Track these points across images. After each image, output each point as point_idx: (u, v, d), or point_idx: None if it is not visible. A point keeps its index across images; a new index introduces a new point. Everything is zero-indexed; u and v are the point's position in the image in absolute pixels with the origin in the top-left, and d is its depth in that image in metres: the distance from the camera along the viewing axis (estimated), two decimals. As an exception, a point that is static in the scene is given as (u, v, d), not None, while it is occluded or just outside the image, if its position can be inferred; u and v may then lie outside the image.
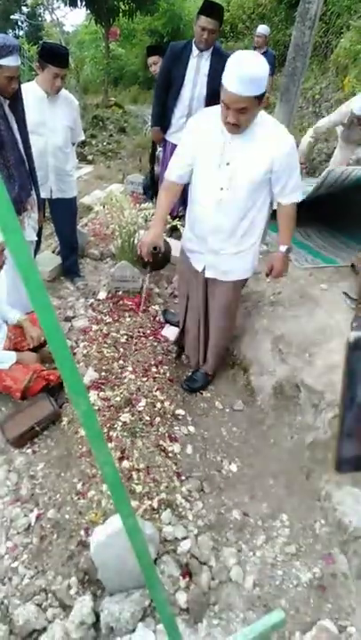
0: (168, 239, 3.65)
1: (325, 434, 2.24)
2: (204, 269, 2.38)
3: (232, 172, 2.03)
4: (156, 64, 4.46)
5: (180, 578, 1.77)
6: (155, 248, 2.33)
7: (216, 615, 1.73)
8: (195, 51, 3.54)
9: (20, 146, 2.53)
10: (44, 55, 2.83)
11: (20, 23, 20.92)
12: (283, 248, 2.31)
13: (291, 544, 1.98)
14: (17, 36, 18.92)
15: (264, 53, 5.69)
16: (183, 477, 2.16)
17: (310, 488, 2.16)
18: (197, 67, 3.57)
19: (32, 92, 2.88)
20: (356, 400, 1.76)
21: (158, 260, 2.74)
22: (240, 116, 1.84)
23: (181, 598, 1.72)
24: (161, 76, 3.78)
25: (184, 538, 1.88)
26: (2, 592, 1.78)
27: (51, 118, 3.00)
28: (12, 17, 19.33)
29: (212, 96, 3.51)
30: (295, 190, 2.11)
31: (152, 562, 1.27)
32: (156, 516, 1.90)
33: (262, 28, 5.98)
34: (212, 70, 3.50)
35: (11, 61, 2.25)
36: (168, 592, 1.74)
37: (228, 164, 2.02)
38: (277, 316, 2.85)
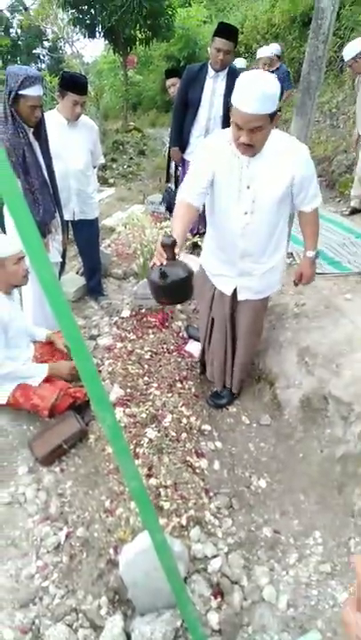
0: (190, 258, 3.68)
1: (356, 447, 2.18)
2: (234, 291, 2.33)
3: (254, 195, 1.98)
4: (174, 86, 4.57)
5: (212, 597, 1.73)
6: (168, 236, 1.76)
7: (250, 637, 1.68)
8: (210, 72, 3.62)
9: (44, 171, 2.62)
10: (64, 84, 2.94)
11: (41, 57, 21.87)
12: (310, 254, 2.30)
13: (325, 562, 1.91)
14: (39, 69, 19.74)
15: (277, 69, 5.73)
16: (211, 494, 2.12)
17: (343, 503, 2.09)
18: (213, 87, 3.64)
19: (53, 120, 2.98)
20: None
21: (181, 281, 1.88)
22: (253, 136, 1.78)
23: (213, 619, 1.68)
24: (178, 97, 3.88)
25: (214, 556, 1.84)
26: (33, 612, 1.77)
27: (72, 143, 3.09)
28: (34, 51, 20.18)
29: (228, 115, 3.56)
30: (316, 196, 2.10)
31: (182, 580, 1.25)
32: (185, 533, 1.88)
33: (270, 50, 5.85)
34: (227, 90, 3.57)
35: (34, 91, 2.36)
36: (199, 612, 1.69)
37: (248, 187, 1.97)
38: (302, 328, 2.81)
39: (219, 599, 1.74)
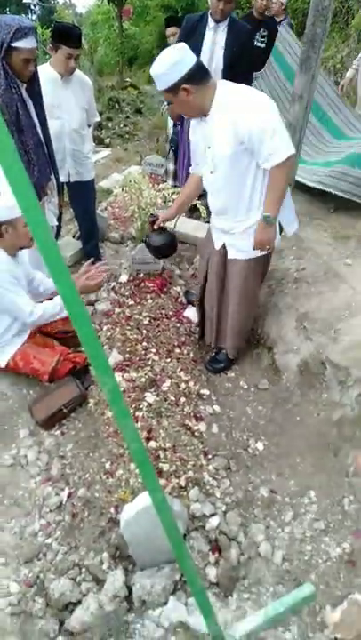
0: (184, 221, 3.63)
1: (353, 411, 2.22)
2: (223, 248, 2.39)
3: (213, 154, 2.10)
4: (173, 36, 4.37)
5: (210, 553, 1.80)
6: (152, 215, 2.65)
7: (246, 589, 1.76)
8: (210, 22, 3.44)
9: (39, 130, 2.53)
10: (57, 36, 2.80)
11: (32, 7, 20.81)
12: (263, 214, 2.13)
13: (319, 520, 1.98)
14: (31, 20, 18.80)
15: (282, 21, 5.49)
16: (210, 456, 2.17)
17: (338, 465, 2.15)
18: (214, 39, 3.47)
19: (46, 75, 2.85)
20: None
21: (159, 246, 2.75)
22: (174, 107, 2.04)
23: (211, 573, 1.76)
24: None
25: (212, 514, 1.91)
26: (37, 567, 1.85)
27: (65, 100, 2.98)
28: (24, 1, 19.19)
29: (230, 68, 3.42)
30: (272, 154, 1.94)
31: (181, 536, 1.30)
32: (184, 493, 1.93)
33: None
34: (228, 42, 3.41)
35: (27, 43, 2.22)
36: (198, 567, 1.77)
37: (208, 147, 2.11)
38: (301, 293, 2.80)
39: (216, 555, 1.81)
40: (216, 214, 2.33)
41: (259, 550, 1.86)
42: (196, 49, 3.48)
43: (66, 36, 2.78)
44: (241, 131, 1.92)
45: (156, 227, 2.65)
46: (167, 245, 2.74)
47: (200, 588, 1.42)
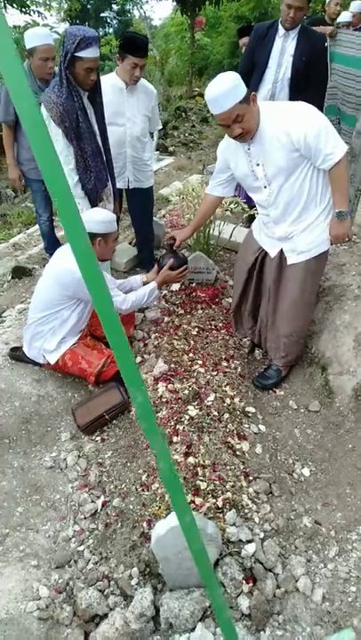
0: (240, 230, 3.55)
1: None
2: (279, 255, 2.41)
3: (265, 170, 2.16)
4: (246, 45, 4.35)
5: (244, 582, 1.71)
6: (171, 238, 2.77)
7: (280, 626, 1.65)
8: (280, 31, 3.37)
9: (98, 137, 2.58)
10: (124, 46, 2.85)
11: (109, 20, 21.70)
12: (335, 211, 2.21)
13: (367, 560, 1.83)
14: (106, 33, 19.63)
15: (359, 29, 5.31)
16: (251, 478, 2.08)
17: (392, 501, 1.98)
18: (283, 47, 3.40)
19: (111, 83, 2.92)
20: None
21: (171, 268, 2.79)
22: (242, 125, 1.99)
23: (244, 603, 1.66)
24: (245, 57, 3.67)
25: (249, 541, 1.81)
26: (68, 574, 1.84)
27: (129, 108, 3.02)
28: (102, 15, 20.05)
29: (297, 78, 3.33)
30: (331, 154, 2.02)
31: (209, 562, 1.23)
32: (220, 515, 1.85)
33: (356, 6, 5.53)
34: (298, 50, 3.32)
35: (90, 53, 2.28)
36: (230, 595, 1.68)
37: (258, 164, 2.17)
38: (361, 312, 2.65)
39: (251, 584, 1.71)
40: (274, 223, 2.33)
41: (297, 585, 1.74)
42: (265, 57, 3.43)
43: (132, 45, 2.83)
44: (296, 138, 2.00)
45: (175, 247, 2.78)
46: (177, 269, 2.80)
47: (227, 619, 1.34)
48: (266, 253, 2.49)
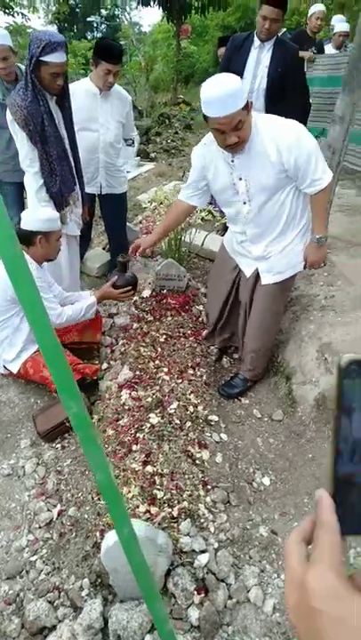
0: (213, 238, 3.58)
1: (369, 453, 2.06)
2: (255, 274, 2.39)
3: (247, 185, 2.08)
4: None
5: (195, 593, 1.70)
6: (122, 255, 2.74)
7: (229, 637, 1.65)
8: (256, 42, 3.42)
9: (66, 142, 2.58)
10: (98, 52, 2.87)
11: (97, 25, 21.76)
12: (314, 237, 2.21)
13: (321, 570, 1.84)
14: (94, 38, 19.67)
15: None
16: (209, 487, 2.08)
17: (348, 511, 2.00)
18: (258, 58, 3.45)
19: (85, 89, 2.93)
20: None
21: (120, 286, 2.74)
22: (239, 132, 1.87)
23: (193, 615, 1.65)
24: (221, 67, 3.72)
25: (202, 551, 1.80)
26: (19, 585, 1.81)
27: (103, 114, 3.03)
28: (90, 19, 20.08)
29: (273, 89, 3.38)
30: (317, 180, 2.01)
31: (151, 576, 1.21)
32: (175, 525, 1.84)
33: (342, 25, 5.60)
34: (273, 62, 3.38)
35: (55, 58, 2.28)
36: (180, 606, 1.67)
37: (240, 178, 2.08)
38: (326, 322, 2.68)
39: (202, 595, 1.70)
40: (251, 242, 2.29)
41: (249, 595, 1.74)
42: (240, 68, 3.47)
43: (106, 52, 2.85)
44: (286, 158, 1.95)
45: (138, 254, 2.69)
46: (121, 287, 2.75)
47: (169, 632, 1.33)
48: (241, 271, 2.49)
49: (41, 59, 2.24)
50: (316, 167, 1.97)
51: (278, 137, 1.94)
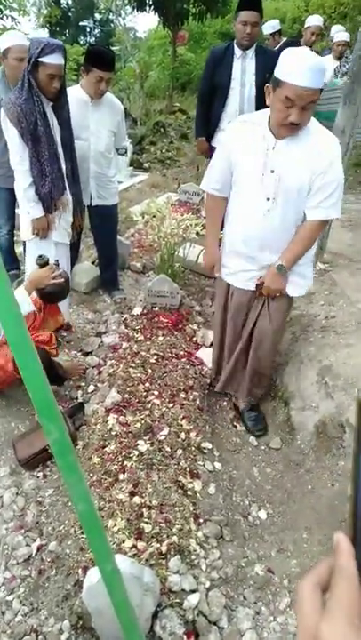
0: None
1: (372, 485, 2.06)
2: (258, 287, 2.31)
3: (278, 180, 2.01)
4: None
5: (184, 637, 1.67)
6: (40, 257, 2.52)
7: None
8: (237, 52, 3.56)
9: (58, 144, 2.68)
10: (89, 58, 2.94)
11: (90, 29, 22.21)
12: (278, 263, 2.15)
13: (320, 613, 1.82)
14: (87, 43, 20.07)
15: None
16: (201, 520, 2.06)
17: (349, 548, 1.98)
18: (243, 67, 3.58)
19: (75, 96, 2.99)
20: None
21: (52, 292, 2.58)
22: (304, 114, 1.83)
23: (182, 661, 1.62)
24: (204, 83, 3.85)
25: (193, 591, 1.77)
26: (-7, 627, 1.77)
27: (93, 123, 3.09)
28: (83, 24, 20.51)
29: (262, 95, 3.46)
30: (329, 206, 2.01)
31: (134, 617, 1.20)
32: (163, 561, 1.82)
33: (342, 35, 5.74)
34: (259, 68, 3.51)
35: (53, 59, 2.42)
36: (168, 652, 1.64)
37: (272, 171, 2.01)
38: (327, 344, 2.70)
39: (192, 639, 1.68)
40: (258, 248, 2.18)
41: (242, 640, 1.71)
42: (226, 80, 3.59)
43: (98, 58, 2.92)
44: (315, 177, 1.94)
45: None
46: (58, 293, 2.60)
47: None
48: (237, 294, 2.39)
49: (39, 59, 2.40)
50: (332, 195, 1.98)
51: (326, 143, 1.96)
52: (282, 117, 1.87)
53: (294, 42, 5.48)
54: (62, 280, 2.54)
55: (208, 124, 3.85)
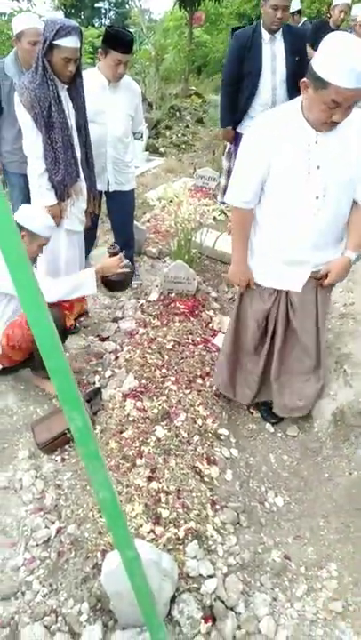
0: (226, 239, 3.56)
1: (390, 474, 2.04)
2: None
3: (325, 176, 1.85)
4: None
5: (201, 621, 1.68)
6: (112, 246, 2.67)
7: (238, 671, 1.62)
8: (265, 36, 3.42)
9: (73, 130, 2.60)
10: (107, 41, 2.87)
11: (105, 11, 21.89)
12: (351, 254, 2.05)
13: (337, 600, 1.81)
14: (102, 25, 19.77)
15: None
16: (218, 506, 2.05)
17: (367, 536, 1.97)
18: (273, 52, 3.46)
19: (93, 79, 2.93)
20: None
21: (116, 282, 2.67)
22: (348, 111, 1.69)
23: (200, 645, 1.63)
24: (231, 69, 3.69)
25: (210, 576, 1.78)
26: (13, 607, 1.79)
27: (111, 106, 3.03)
28: (96, 5, 20.21)
29: (294, 79, 3.36)
30: None
31: (153, 602, 1.20)
32: (181, 547, 1.82)
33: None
34: (288, 51, 3.39)
35: (69, 42, 2.33)
36: (185, 636, 1.65)
37: (318, 167, 1.85)
38: (345, 331, 2.66)
39: (209, 624, 1.68)
40: (311, 250, 2.01)
41: (260, 626, 1.71)
42: (257, 66, 3.46)
43: (116, 40, 2.84)
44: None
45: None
46: (122, 282, 2.73)
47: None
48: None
49: (54, 42, 2.31)
50: None
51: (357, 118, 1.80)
52: (325, 117, 1.71)
53: (324, 24, 5.32)
54: (128, 270, 2.61)
55: (234, 113, 3.74)
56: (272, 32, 3.35)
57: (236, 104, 3.70)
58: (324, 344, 2.31)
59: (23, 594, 1.83)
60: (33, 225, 2.32)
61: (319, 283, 2.13)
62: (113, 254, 2.60)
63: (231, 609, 1.74)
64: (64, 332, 2.53)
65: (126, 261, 2.64)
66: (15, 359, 2.49)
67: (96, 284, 2.48)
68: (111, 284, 2.67)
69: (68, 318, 2.49)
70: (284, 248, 2.04)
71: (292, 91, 3.39)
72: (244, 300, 2.31)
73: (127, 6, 22.38)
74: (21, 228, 2.29)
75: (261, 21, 3.44)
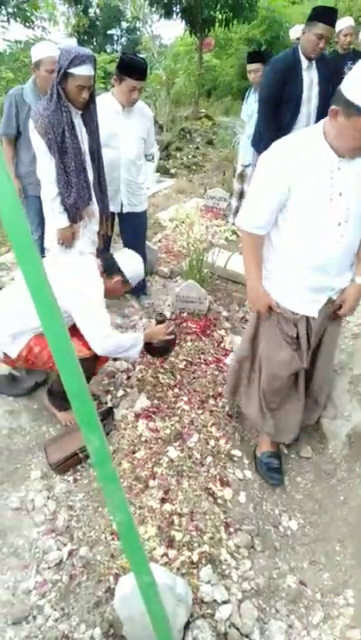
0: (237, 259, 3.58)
1: None
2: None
3: (347, 202, 1.82)
4: (256, 72, 4.36)
5: (216, 649, 1.64)
6: (160, 314, 2.71)
7: None
8: (304, 62, 3.44)
9: (86, 156, 2.66)
10: (122, 68, 2.93)
11: (117, 38, 22.48)
12: (360, 280, 2.02)
13: (355, 628, 1.76)
14: (115, 51, 20.30)
15: None
16: (232, 529, 2.02)
17: (385, 562, 1.92)
18: (310, 79, 3.48)
19: (107, 105, 2.99)
20: None
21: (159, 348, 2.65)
22: None
23: (214, 674, 1.59)
24: (272, 93, 3.57)
25: (224, 602, 1.74)
26: (24, 631, 1.77)
27: (125, 130, 3.09)
28: (110, 32, 20.76)
29: (325, 108, 3.37)
30: None
31: (168, 628, 1.18)
32: (194, 571, 1.79)
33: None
34: (322, 79, 3.42)
35: (83, 70, 2.40)
36: (199, 664, 1.61)
37: (340, 194, 1.81)
38: (358, 350, 2.63)
39: (224, 652, 1.64)
40: (335, 276, 1.98)
41: (275, 655, 1.67)
42: (298, 92, 3.46)
43: (131, 68, 2.91)
44: None
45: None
46: (166, 349, 2.73)
47: None
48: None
49: (68, 70, 2.38)
50: None
51: None
52: (358, 145, 1.69)
53: (335, 52, 5.36)
54: (172, 337, 2.63)
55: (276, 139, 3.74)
56: (310, 60, 3.39)
57: (278, 130, 3.51)
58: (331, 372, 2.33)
59: (35, 618, 1.81)
60: (129, 270, 2.43)
61: (335, 315, 2.10)
62: (160, 322, 2.60)
63: (246, 636, 1.70)
64: (88, 379, 2.54)
65: (172, 327, 2.67)
66: (18, 365, 2.48)
67: (140, 349, 2.45)
68: (154, 350, 2.65)
69: (97, 368, 2.53)
70: (307, 274, 1.97)
71: (321, 118, 3.41)
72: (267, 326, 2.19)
73: (138, 32, 22.95)
74: (118, 269, 2.38)
75: (300, 47, 3.42)
